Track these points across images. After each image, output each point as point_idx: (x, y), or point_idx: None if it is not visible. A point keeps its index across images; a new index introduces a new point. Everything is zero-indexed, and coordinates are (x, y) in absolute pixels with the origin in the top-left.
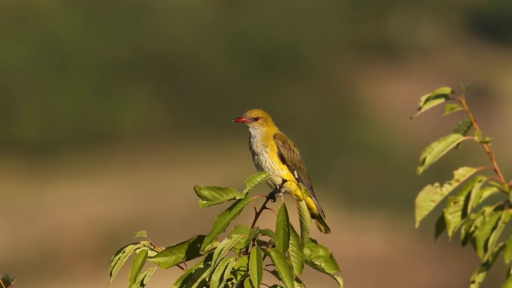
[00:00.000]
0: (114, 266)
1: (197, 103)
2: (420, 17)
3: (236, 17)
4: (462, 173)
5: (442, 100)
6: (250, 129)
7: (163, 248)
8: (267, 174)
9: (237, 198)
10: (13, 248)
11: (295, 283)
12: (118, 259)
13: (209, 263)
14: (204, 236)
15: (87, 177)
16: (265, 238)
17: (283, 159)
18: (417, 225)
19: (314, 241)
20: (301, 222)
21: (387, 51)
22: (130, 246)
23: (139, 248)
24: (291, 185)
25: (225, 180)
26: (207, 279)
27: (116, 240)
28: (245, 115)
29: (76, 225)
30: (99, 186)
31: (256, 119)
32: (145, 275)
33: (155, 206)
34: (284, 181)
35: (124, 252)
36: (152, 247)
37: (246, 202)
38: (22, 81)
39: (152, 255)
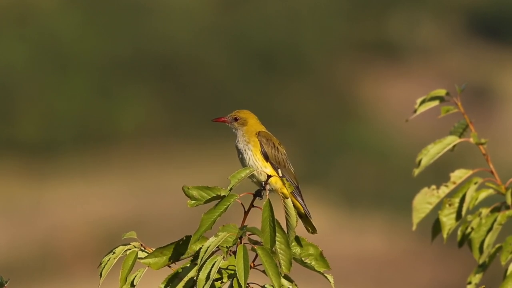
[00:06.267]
0: (104, 267)
1: (197, 103)
2: (420, 17)
3: (236, 17)
4: (458, 175)
5: (437, 102)
6: (232, 129)
7: (154, 249)
8: (251, 169)
9: (222, 194)
10: (13, 248)
11: (286, 282)
12: (108, 260)
13: (196, 262)
14: None
15: (87, 177)
16: (258, 238)
17: (266, 157)
18: (414, 227)
19: (299, 240)
20: (287, 220)
21: (387, 51)
22: (121, 247)
23: (129, 249)
24: (277, 183)
25: (225, 180)
26: (195, 278)
27: (116, 240)
28: (227, 116)
29: (76, 225)
30: (99, 186)
31: (236, 119)
32: (136, 276)
33: (155, 206)
34: (269, 176)
35: (114, 253)
36: (143, 248)
37: (232, 200)
38: (22, 81)
39: (143, 256)
